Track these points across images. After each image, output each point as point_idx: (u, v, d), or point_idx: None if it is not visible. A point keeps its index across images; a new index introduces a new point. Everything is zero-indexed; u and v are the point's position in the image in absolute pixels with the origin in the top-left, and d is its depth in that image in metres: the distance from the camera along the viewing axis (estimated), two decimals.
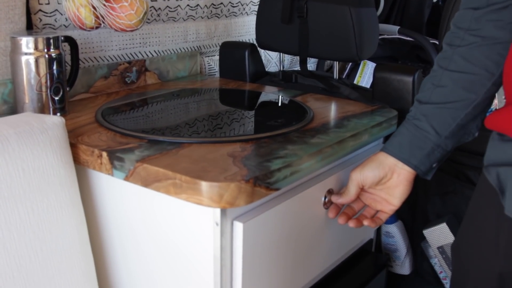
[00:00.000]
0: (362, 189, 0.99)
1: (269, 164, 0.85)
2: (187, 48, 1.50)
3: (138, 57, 1.37)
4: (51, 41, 1.05)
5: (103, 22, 1.13)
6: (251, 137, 0.97)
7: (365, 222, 0.97)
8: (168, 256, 0.89)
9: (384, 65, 1.25)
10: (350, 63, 1.97)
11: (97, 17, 1.12)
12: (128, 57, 1.35)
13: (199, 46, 1.54)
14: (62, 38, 1.10)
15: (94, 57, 1.28)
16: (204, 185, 0.78)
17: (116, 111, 1.12)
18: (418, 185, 1.24)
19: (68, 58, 1.16)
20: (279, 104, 1.25)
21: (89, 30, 1.14)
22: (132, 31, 1.15)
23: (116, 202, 0.94)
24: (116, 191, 0.93)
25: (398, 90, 1.21)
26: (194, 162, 0.85)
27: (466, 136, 0.94)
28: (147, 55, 1.39)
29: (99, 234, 0.97)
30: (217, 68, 1.57)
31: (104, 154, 0.89)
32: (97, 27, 1.14)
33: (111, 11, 1.11)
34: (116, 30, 1.14)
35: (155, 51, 1.41)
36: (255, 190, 0.80)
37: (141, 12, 1.13)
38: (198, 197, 0.79)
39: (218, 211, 0.80)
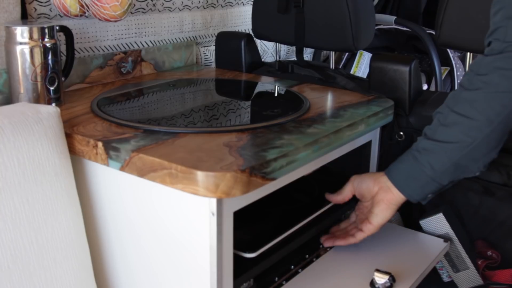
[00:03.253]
0: (358, 198, 1.08)
1: (265, 154, 0.84)
2: (183, 38, 1.49)
3: (133, 47, 1.36)
4: (46, 30, 1.05)
5: (88, 11, 1.13)
6: (247, 127, 0.96)
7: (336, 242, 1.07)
8: (166, 246, 0.88)
9: (381, 55, 1.24)
10: (347, 54, 1.97)
11: (82, 5, 1.12)
12: (124, 47, 1.34)
13: (195, 36, 1.53)
14: (57, 27, 1.09)
15: (90, 47, 1.27)
16: (200, 174, 0.77)
17: (111, 101, 1.11)
18: None
19: (63, 48, 1.15)
20: (275, 94, 1.25)
21: (73, 18, 1.15)
22: (115, 21, 1.15)
23: (112, 192, 0.93)
24: (112, 181, 0.92)
25: (394, 80, 1.20)
26: (189, 152, 0.84)
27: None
28: (142, 45, 1.39)
29: (95, 225, 0.97)
30: (213, 58, 1.57)
31: (100, 144, 0.89)
32: (81, 15, 1.14)
33: (96, 1, 1.10)
34: (100, 20, 1.14)
35: (150, 41, 1.40)
36: (251, 180, 0.80)
37: (126, 4, 1.12)
38: (194, 187, 0.78)
39: (214, 201, 0.80)
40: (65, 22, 1.18)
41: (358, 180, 1.06)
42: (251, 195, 0.86)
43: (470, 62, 1.22)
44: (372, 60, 1.24)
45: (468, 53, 1.20)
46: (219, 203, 0.80)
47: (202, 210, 0.81)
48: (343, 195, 1.08)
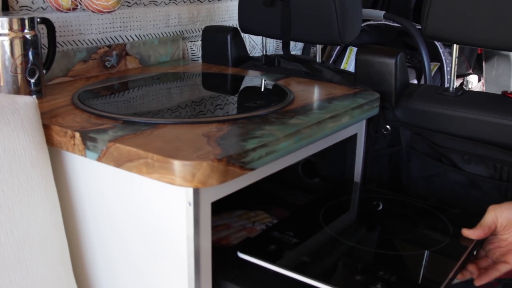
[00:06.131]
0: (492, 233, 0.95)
1: (244, 144, 0.83)
2: (169, 32, 1.48)
3: (118, 41, 1.35)
4: (26, 22, 1.03)
5: (80, 4, 1.11)
6: (227, 118, 0.95)
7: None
8: (146, 238, 0.87)
9: (367, 48, 1.23)
10: (336, 50, 1.95)
11: None
12: (108, 41, 1.33)
13: (182, 31, 1.52)
14: (38, 19, 1.08)
15: (73, 41, 1.26)
16: (176, 164, 0.76)
17: (93, 94, 1.10)
18: (401, 169, 1.23)
19: (45, 41, 1.14)
20: (260, 87, 1.24)
21: (66, 12, 1.12)
22: (109, 12, 1.13)
23: (90, 184, 0.92)
24: (90, 173, 0.91)
25: (380, 72, 1.19)
26: (167, 142, 0.83)
27: None
28: (128, 39, 1.37)
29: (74, 216, 0.96)
30: (200, 53, 1.56)
31: (77, 134, 0.87)
32: (74, 9, 1.12)
33: None
34: (93, 12, 1.12)
35: (136, 35, 1.39)
36: (229, 169, 0.79)
37: None
38: (170, 177, 0.77)
39: (190, 191, 0.78)
40: (48, 15, 1.17)
41: (498, 208, 0.93)
42: (229, 186, 0.85)
43: (457, 54, 1.21)
44: (358, 53, 1.23)
45: (455, 45, 1.19)
46: (196, 193, 0.79)
47: (179, 200, 0.80)
48: (484, 228, 0.93)
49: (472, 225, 0.95)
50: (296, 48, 1.93)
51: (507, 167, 1.10)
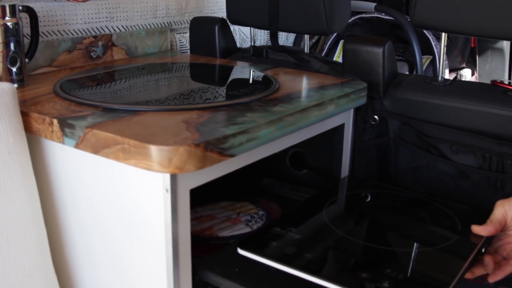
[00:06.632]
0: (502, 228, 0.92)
1: (223, 130, 0.81)
2: (156, 24, 1.47)
3: (104, 31, 1.34)
4: (7, 9, 1.02)
5: None
6: (209, 105, 0.94)
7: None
8: (126, 225, 0.85)
9: (354, 37, 1.22)
10: (329, 43, 1.94)
11: None
12: (94, 31, 1.31)
13: (170, 22, 1.51)
14: (20, 7, 1.07)
15: (58, 31, 1.25)
16: (153, 149, 0.75)
17: (75, 83, 1.09)
18: (389, 160, 1.22)
19: (29, 31, 1.12)
20: (245, 77, 1.22)
21: (51, 2, 1.11)
22: (83, 1, 1.11)
23: (69, 171, 0.90)
24: (69, 160, 0.89)
25: (367, 62, 1.17)
26: (145, 128, 0.81)
27: None
28: (114, 30, 1.36)
29: (53, 204, 0.94)
30: (189, 45, 1.54)
31: (55, 121, 0.86)
32: None
33: None
34: (68, 0, 1.11)
35: (122, 26, 1.38)
36: (207, 155, 0.77)
37: None
38: (147, 162, 0.76)
39: (167, 177, 0.77)
40: (32, 5, 1.15)
41: (508, 204, 0.90)
42: (209, 173, 0.83)
43: (445, 43, 1.19)
44: (345, 42, 1.21)
45: (443, 34, 1.17)
46: (173, 179, 0.77)
47: (156, 186, 0.78)
48: (495, 224, 0.90)
49: (480, 222, 0.92)
50: (288, 42, 1.92)
51: (496, 157, 1.08)
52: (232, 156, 0.82)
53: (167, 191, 0.77)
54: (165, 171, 0.75)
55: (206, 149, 0.77)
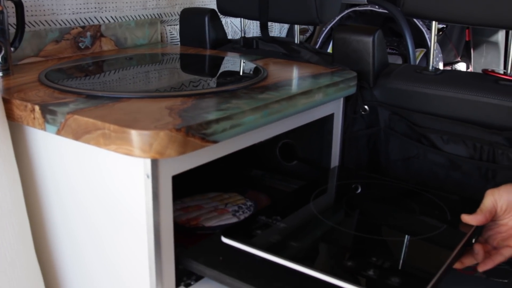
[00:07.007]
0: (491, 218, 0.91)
1: (206, 115, 0.80)
2: (146, 15, 1.45)
3: (93, 22, 1.32)
4: None
5: None
6: (194, 92, 0.92)
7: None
8: (108, 212, 0.84)
9: (344, 26, 1.21)
10: (322, 36, 1.93)
11: None
12: (83, 22, 1.30)
13: (160, 14, 1.49)
14: None
15: (45, 21, 1.23)
16: (133, 133, 0.73)
17: (61, 72, 1.07)
18: (380, 150, 1.20)
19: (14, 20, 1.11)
20: (233, 66, 1.21)
21: None
22: None
23: (52, 158, 0.89)
24: (52, 147, 0.88)
25: (357, 51, 1.16)
26: (127, 114, 0.80)
27: None
28: (103, 20, 1.34)
29: (36, 192, 0.93)
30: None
31: (37, 107, 0.85)
32: None
33: None
34: None
35: (111, 17, 1.36)
36: (188, 140, 0.76)
37: None
38: (127, 147, 0.74)
39: (148, 162, 0.75)
40: None
41: (498, 193, 0.89)
42: (192, 159, 0.82)
43: (436, 32, 1.18)
44: (335, 31, 1.20)
45: (434, 22, 1.16)
46: (155, 165, 0.76)
47: (137, 172, 0.77)
48: (485, 213, 0.89)
49: (471, 212, 0.91)
50: (281, 35, 1.91)
51: (487, 147, 1.07)
52: (215, 142, 0.81)
53: (148, 176, 0.76)
54: (146, 156, 0.74)
55: (188, 134, 0.76)
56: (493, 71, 1.14)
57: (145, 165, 0.76)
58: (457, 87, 1.10)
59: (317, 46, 1.92)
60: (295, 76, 1.10)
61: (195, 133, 0.77)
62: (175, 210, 1.07)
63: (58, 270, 0.95)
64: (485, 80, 1.12)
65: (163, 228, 0.79)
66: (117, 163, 0.79)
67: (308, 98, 0.99)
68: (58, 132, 0.83)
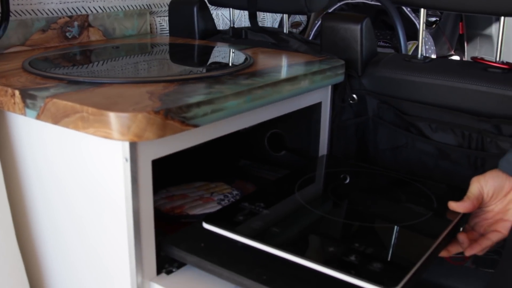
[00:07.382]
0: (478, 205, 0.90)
1: (187, 99, 0.79)
2: (135, 5, 1.44)
3: (80, 12, 1.31)
4: None
5: None
6: (177, 78, 0.91)
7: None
8: (89, 196, 0.83)
9: (332, 14, 1.20)
10: (314, 30, 1.92)
11: None
12: (70, 11, 1.29)
13: (149, 5, 1.48)
14: None
15: (32, 10, 1.22)
16: (111, 116, 0.72)
17: (46, 60, 1.06)
18: (368, 140, 1.19)
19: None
20: (220, 55, 1.20)
21: None
22: None
23: (33, 144, 0.88)
24: (32, 132, 0.87)
25: (345, 39, 1.15)
26: (107, 98, 0.79)
27: None
28: (91, 10, 1.33)
29: (17, 178, 0.92)
30: None
31: (17, 92, 0.84)
32: None
33: None
34: None
35: (99, 7, 1.35)
36: (167, 123, 0.75)
37: None
38: (106, 130, 0.73)
39: (127, 145, 0.75)
40: None
41: (484, 179, 0.89)
42: (172, 144, 0.81)
43: (424, 19, 1.17)
44: (323, 19, 1.19)
45: (422, 10, 1.15)
46: (133, 148, 0.75)
47: (116, 155, 0.76)
48: (473, 200, 0.88)
49: (458, 200, 0.90)
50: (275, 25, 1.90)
51: (475, 134, 1.06)
52: (195, 126, 0.80)
53: (126, 160, 0.75)
54: (124, 139, 0.73)
55: (167, 116, 0.75)
56: (482, 58, 1.13)
57: (123, 148, 0.75)
58: (445, 75, 1.09)
59: (310, 38, 1.91)
60: (281, 64, 1.09)
61: (175, 116, 0.76)
62: (160, 198, 1.07)
63: (40, 256, 0.94)
64: (474, 67, 1.11)
65: (142, 212, 0.79)
66: (97, 147, 0.79)
67: (293, 85, 0.99)
68: (38, 117, 0.82)
